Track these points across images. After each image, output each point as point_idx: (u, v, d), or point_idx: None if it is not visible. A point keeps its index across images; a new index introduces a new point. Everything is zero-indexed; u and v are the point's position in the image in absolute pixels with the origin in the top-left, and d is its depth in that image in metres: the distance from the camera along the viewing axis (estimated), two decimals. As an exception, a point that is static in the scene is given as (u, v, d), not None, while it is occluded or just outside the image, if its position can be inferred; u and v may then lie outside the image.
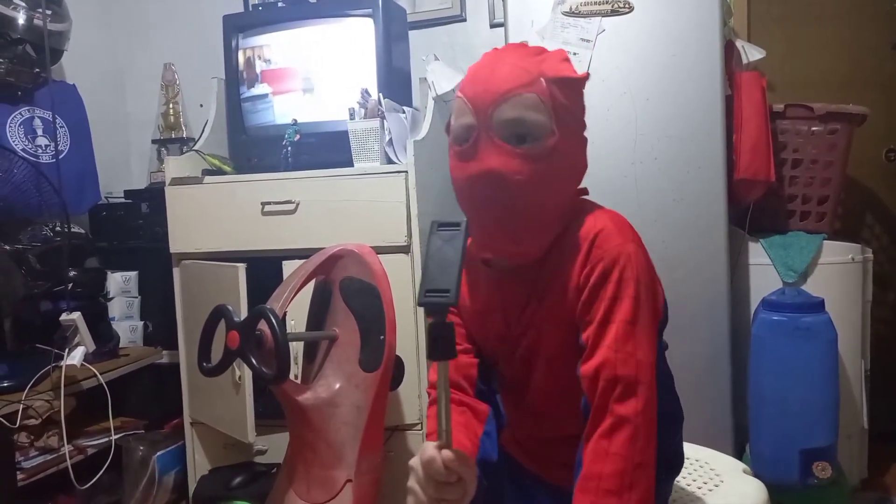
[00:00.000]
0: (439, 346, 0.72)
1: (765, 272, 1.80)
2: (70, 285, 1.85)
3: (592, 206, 0.94)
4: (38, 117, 2.02)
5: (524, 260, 0.92)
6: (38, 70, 1.97)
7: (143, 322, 2.19)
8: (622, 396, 0.80)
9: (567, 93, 0.89)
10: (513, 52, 0.91)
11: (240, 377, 1.63)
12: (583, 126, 0.93)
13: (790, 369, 1.57)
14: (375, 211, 1.66)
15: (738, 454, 1.71)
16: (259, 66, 1.94)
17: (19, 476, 1.65)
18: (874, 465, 1.88)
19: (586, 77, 0.90)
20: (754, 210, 1.85)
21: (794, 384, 1.56)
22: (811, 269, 1.76)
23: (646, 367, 0.81)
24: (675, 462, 0.98)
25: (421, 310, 1.66)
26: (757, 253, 1.82)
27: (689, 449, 1.20)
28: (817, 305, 1.60)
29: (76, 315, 1.76)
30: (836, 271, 1.78)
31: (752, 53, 1.81)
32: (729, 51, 1.77)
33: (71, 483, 1.73)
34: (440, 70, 1.89)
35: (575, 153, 0.92)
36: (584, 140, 0.94)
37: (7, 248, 1.69)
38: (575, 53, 1.66)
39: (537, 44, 1.11)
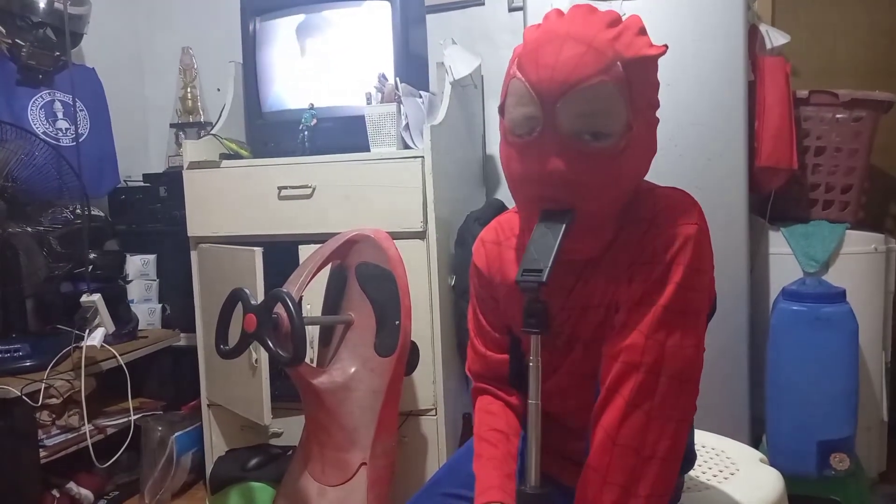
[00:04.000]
0: (533, 321, 0.75)
1: (785, 262, 1.77)
2: (90, 267, 1.88)
3: (651, 184, 0.85)
4: (59, 100, 2.04)
5: (580, 258, 0.84)
6: (58, 53, 1.98)
7: (161, 305, 2.21)
8: (639, 384, 0.75)
9: (645, 74, 0.77)
10: (582, 25, 0.76)
11: (256, 360, 1.65)
12: (657, 107, 0.82)
13: (810, 360, 1.55)
14: (391, 196, 1.66)
15: (755, 445, 1.70)
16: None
17: (41, 453, 1.69)
18: (893, 457, 1.86)
19: (664, 52, 0.78)
20: (776, 198, 1.82)
21: (813, 375, 1.54)
22: (833, 259, 1.74)
23: (674, 358, 0.76)
24: (686, 458, 0.93)
25: (436, 296, 1.66)
26: (777, 242, 1.80)
27: (705, 437, 1.20)
28: (839, 295, 1.58)
29: (96, 296, 1.78)
30: (859, 261, 1.75)
31: (776, 38, 1.77)
32: (752, 35, 1.73)
33: (91, 461, 1.76)
34: (457, 55, 1.88)
35: (649, 140, 0.81)
36: (657, 121, 0.83)
37: (29, 229, 1.72)
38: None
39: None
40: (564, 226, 0.75)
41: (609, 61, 0.74)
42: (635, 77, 0.76)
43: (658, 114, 0.84)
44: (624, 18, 0.79)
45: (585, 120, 0.75)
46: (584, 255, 0.84)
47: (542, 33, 0.77)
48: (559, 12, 0.80)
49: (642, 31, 0.78)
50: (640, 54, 0.75)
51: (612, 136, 0.75)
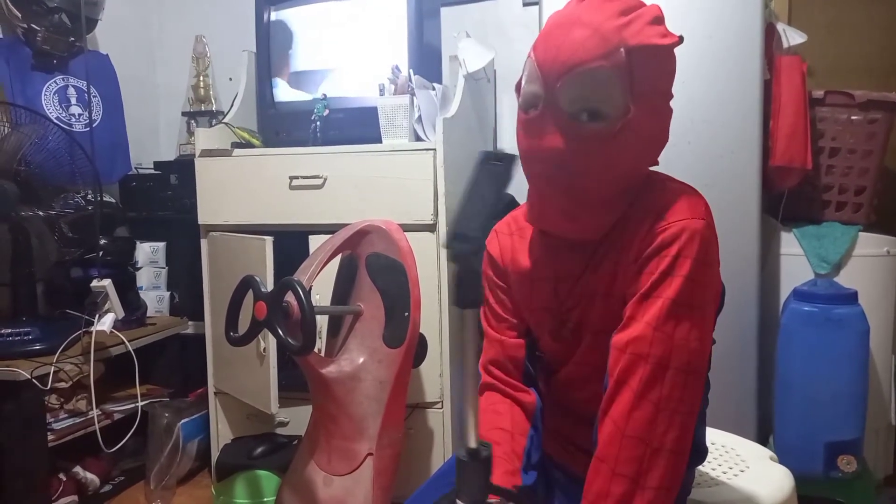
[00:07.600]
0: (461, 293, 0.70)
1: (796, 262, 1.76)
2: (100, 253, 1.89)
3: (664, 177, 0.87)
4: (73, 86, 2.04)
5: (581, 237, 0.87)
6: (73, 39, 1.98)
7: (169, 292, 2.21)
8: (647, 376, 0.75)
9: (652, 62, 0.79)
10: (595, 11, 0.78)
11: (264, 349, 1.65)
12: (668, 96, 0.84)
13: (819, 360, 1.54)
14: (403, 188, 1.66)
15: (762, 444, 1.69)
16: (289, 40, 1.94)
17: (49, 437, 1.70)
18: (900, 461, 1.85)
19: (677, 42, 0.80)
20: (788, 199, 1.82)
21: (822, 376, 1.54)
22: (844, 261, 1.73)
23: (682, 351, 0.76)
24: (697, 451, 0.93)
25: (445, 290, 1.66)
26: (789, 243, 1.79)
27: (715, 435, 1.20)
28: (850, 297, 1.57)
29: (107, 282, 1.79)
30: (870, 264, 1.74)
31: (792, 37, 1.76)
32: (769, 34, 1.72)
33: (98, 446, 1.77)
34: (471, 48, 1.87)
35: (654, 127, 0.83)
36: (669, 111, 0.85)
37: (41, 214, 1.72)
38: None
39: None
40: (507, 178, 0.77)
41: (612, 47, 0.76)
42: (639, 64, 0.78)
43: (674, 110, 0.84)
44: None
45: (583, 102, 0.78)
46: (583, 235, 0.86)
47: (558, 16, 0.82)
48: None
49: (657, 21, 0.80)
50: (645, 42, 0.77)
51: (608, 118, 0.78)
